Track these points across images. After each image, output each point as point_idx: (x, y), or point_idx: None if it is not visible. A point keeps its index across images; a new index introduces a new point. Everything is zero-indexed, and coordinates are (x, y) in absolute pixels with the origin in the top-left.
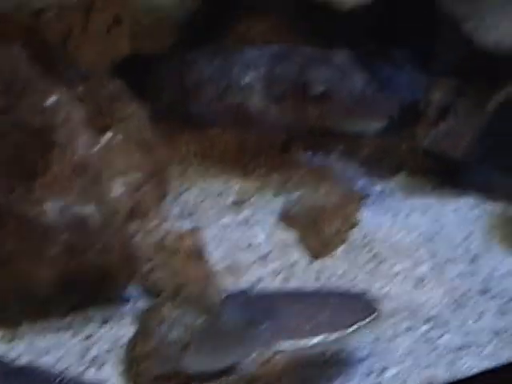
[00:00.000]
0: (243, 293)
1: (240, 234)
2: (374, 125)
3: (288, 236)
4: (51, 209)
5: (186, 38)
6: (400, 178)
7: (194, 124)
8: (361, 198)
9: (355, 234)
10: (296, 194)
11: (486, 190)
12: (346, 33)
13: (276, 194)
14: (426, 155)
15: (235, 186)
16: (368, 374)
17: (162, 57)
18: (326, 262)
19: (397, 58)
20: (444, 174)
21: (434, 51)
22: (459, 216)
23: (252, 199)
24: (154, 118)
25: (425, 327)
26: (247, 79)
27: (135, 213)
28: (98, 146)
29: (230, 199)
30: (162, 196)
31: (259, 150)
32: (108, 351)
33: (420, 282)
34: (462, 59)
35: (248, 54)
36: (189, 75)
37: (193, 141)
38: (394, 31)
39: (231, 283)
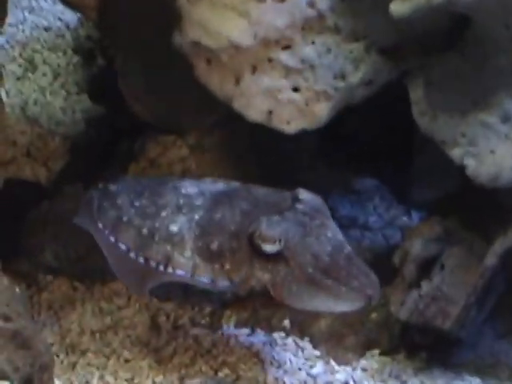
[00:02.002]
0: None
1: None
2: (345, 306)
3: None
4: None
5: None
6: (371, 360)
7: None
8: None
9: None
10: None
11: (490, 367)
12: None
13: None
14: (404, 328)
15: (146, 381)
16: None
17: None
18: None
19: (362, 191)
20: (430, 352)
21: (413, 184)
22: None
23: None
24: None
25: None
26: (176, 226)
27: None
28: None
29: None
30: None
31: (177, 327)
32: None
33: None
34: (450, 194)
35: (182, 192)
36: (103, 218)
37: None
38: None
39: None
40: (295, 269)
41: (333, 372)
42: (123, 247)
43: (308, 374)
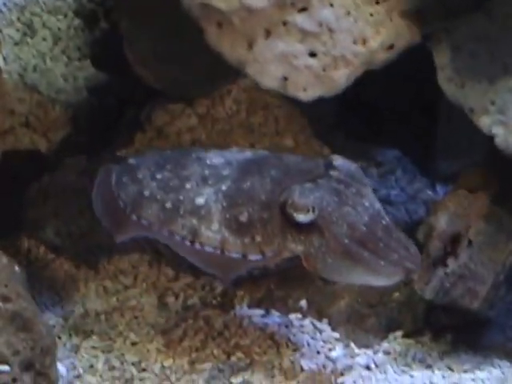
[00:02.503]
0: None
1: None
2: (383, 280)
3: None
4: None
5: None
6: (393, 343)
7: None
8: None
9: None
10: (240, 378)
11: None
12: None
13: (209, 380)
14: (429, 308)
15: (154, 365)
16: None
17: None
18: None
19: (383, 163)
20: (457, 334)
21: (438, 155)
22: None
23: None
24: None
25: None
26: (202, 198)
27: None
28: None
29: None
30: None
31: (187, 308)
32: None
33: None
34: (478, 166)
35: (207, 162)
36: (123, 193)
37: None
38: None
39: None
40: (330, 240)
41: (353, 355)
42: (145, 223)
43: (327, 358)
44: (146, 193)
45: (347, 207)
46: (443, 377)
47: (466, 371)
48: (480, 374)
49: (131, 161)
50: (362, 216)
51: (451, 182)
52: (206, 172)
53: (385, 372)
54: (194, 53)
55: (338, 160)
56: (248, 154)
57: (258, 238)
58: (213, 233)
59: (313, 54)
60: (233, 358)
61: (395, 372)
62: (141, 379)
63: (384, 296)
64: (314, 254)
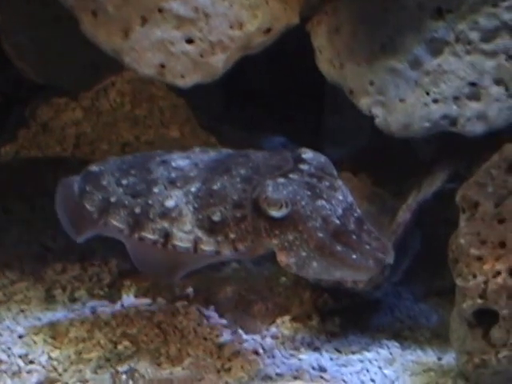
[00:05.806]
0: None
1: None
2: (357, 274)
3: None
4: None
5: None
6: (281, 327)
7: None
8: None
9: None
10: (126, 366)
11: (409, 331)
12: None
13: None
14: (316, 292)
15: (41, 357)
16: None
17: None
18: None
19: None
20: (345, 317)
21: (324, 139)
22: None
23: (65, 375)
24: None
25: None
26: (172, 201)
27: None
28: None
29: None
30: None
31: (74, 299)
32: None
33: None
34: (363, 149)
35: (172, 165)
36: (88, 202)
37: None
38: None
39: None
40: (304, 233)
41: (241, 341)
42: (115, 229)
43: (214, 344)
44: (113, 199)
45: (321, 201)
46: (331, 359)
47: (353, 352)
48: (368, 355)
49: (93, 168)
50: (336, 209)
51: (337, 166)
52: (173, 175)
53: (273, 356)
54: (75, 45)
55: (307, 153)
56: (212, 154)
57: (232, 236)
58: (185, 234)
59: (190, 41)
60: (119, 347)
61: (283, 356)
62: (28, 372)
63: (270, 281)
64: (288, 247)
